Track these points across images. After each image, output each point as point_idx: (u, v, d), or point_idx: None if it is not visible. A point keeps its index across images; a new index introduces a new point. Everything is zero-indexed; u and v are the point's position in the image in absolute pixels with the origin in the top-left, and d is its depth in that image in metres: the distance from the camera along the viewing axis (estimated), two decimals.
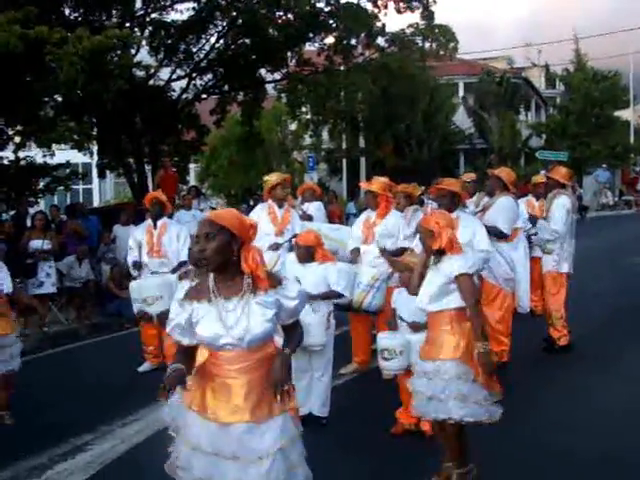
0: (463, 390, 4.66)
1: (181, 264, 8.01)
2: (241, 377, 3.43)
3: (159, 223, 8.58)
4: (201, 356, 3.52)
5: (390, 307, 6.22)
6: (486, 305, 7.65)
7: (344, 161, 32.29)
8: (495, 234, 7.70)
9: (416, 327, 5.60)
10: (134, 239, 8.65)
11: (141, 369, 8.63)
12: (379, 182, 8.14)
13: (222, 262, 3.39)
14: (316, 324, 6.12)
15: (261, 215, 8.26)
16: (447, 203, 6.94)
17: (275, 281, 3.46)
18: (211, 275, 3.47)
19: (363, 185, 8.63)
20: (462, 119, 36.90)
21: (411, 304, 5.35)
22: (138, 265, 8.51)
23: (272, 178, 8.48)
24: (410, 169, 29.50)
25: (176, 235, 8.46)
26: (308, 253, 6.40)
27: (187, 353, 3.56)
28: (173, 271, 8.11)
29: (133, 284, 8.12)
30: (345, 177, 33.00)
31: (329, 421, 6.34)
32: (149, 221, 8.68)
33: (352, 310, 7.72)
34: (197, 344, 3.53)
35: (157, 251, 8.46)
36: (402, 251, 7.86)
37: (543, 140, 38.13)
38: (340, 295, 6.48)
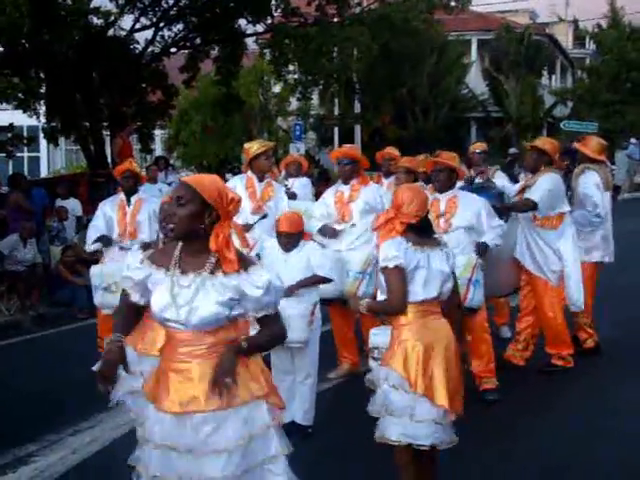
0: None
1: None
2: (194, 362, 3.54)
3: (133, 199, 8.45)
4: (162, 338, 3.73)
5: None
6: (539, 307, 7.97)
7: (336, 130, 32.21)
8: (523, 209, 7.78)
9: None
10: (103, 213, 8.51)
11: (96, 368, 8.60)
12: (355, 149, 8.11)
13: (189, 233, 3.50)
14: (297, 317, 6.11)
15: (238, 188, 8.18)
16: (443, 180, 6.99)
17: (242, 265, 3.53)
18: (179, 243, 3.58)
19: (335, 154, 8.50)
20: (475, 82, 36.90)
21: None
22: (106, 239, 8.35)
23: (254, 146, 8.37)
24: (413, 140, 29.51)
25: (154, 213, 8.28)
26: (295, 240, 6.37)
27: (131, 311, 3.72)
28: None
29: (95, 269, 8.04)
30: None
31: (315, 430, 6.36)
32: (121, 196, 8.53)
33: (343, 302, 7.71)
34: (144, 305, 3.68)
35: (132, 233, 8.33)
36: None
37: (569, 108, 38.19)
38: (326, 280, 6.48)
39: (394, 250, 4.62)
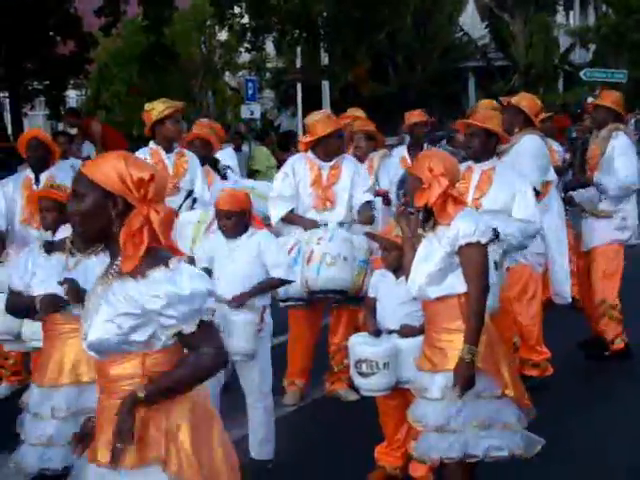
0: (484, 413, 4.79)
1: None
2: (101, 397, 3.52)
3: (43, 177, 8.30)
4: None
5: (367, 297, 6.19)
6: (514, 297, 7.78)
7: (299, 87, 32.17)
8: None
9: (408, 333, 5.60)
10: (3, 194, 8.30)
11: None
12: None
13: (97, 232, 3.44)
14: (242, 323, 5.98)
15: None
16: (477, 147, 6.92)
17: (145, 267, 3.37)
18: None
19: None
20: (472, 23, 37.02)
21: (400, 294, 5.52)
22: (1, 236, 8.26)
23: (157, 108, 8.23)
24: (396, 97, 29.53)
25: None
26: (240, 222, 6.23)
27: None
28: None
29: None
30: (301, 110, 32.92)
31: (276, 465, 6.32)
32: (27, 172, 8.44)
33: (345, 300, 7.61)
34: None
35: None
36: (367, 209, 7.85)
37: (591, 53, 38.39)
38: (283, 282, 6.44)
39: (484, 222, 4.95)
